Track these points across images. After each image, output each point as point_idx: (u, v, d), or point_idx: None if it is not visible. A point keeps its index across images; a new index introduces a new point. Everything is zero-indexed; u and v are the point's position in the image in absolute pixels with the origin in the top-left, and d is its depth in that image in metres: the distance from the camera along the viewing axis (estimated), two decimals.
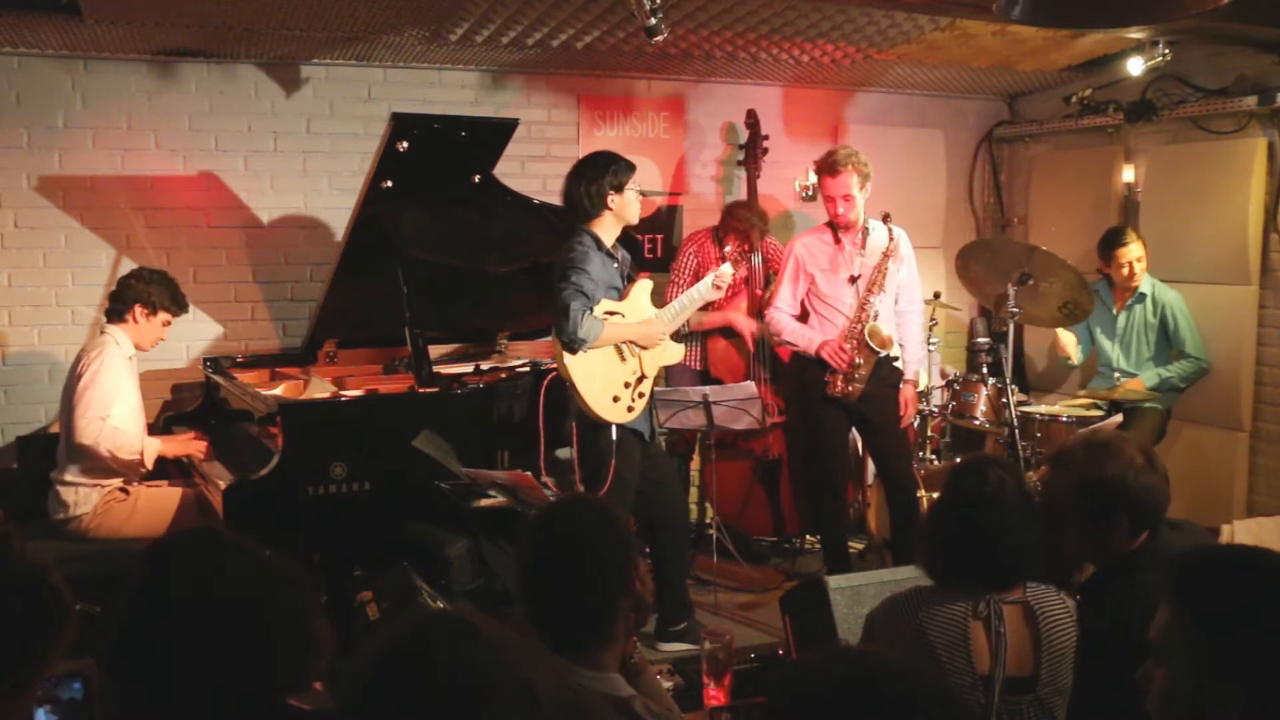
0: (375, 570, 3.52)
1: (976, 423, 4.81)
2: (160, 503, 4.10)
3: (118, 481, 4.04)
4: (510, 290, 4.70)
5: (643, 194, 4.11)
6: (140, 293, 4.13)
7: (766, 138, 5.38)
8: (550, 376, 4.01)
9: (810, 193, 4.99)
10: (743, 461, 5.25)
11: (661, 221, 5.69)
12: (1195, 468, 5.03)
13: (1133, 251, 4.89)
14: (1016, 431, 4.37)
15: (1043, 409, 4.72)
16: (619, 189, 3.91)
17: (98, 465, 3.97)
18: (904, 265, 4.54)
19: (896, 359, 4.54)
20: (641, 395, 3.99)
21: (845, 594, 2.98)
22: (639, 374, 3.99)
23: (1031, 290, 4.43)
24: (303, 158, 5.07)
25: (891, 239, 4.43)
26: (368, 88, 5.14)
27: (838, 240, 4.49)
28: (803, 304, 4.61)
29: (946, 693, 1.23)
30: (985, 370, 5.17)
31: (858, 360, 4.38)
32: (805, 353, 4.50)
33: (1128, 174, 5.56)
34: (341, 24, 4.38)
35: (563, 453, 4.15)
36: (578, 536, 1.96)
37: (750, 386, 4.58)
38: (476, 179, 4.22)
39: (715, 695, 2.57)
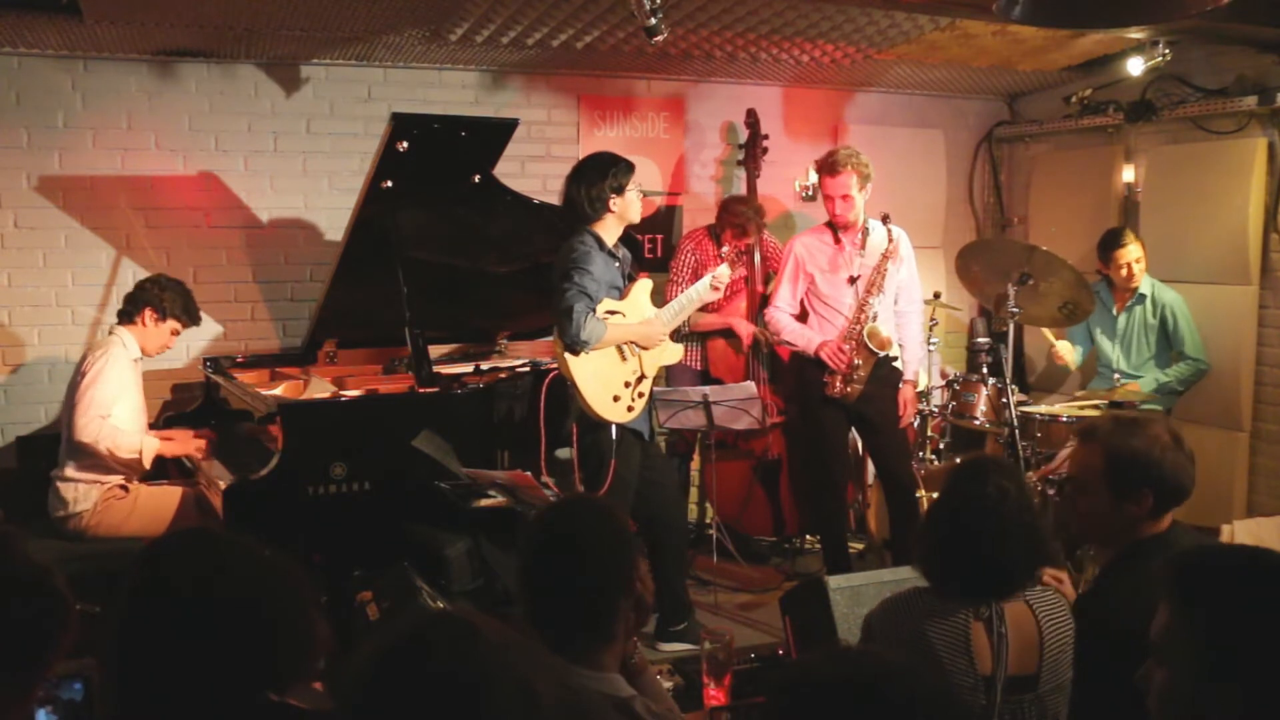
0: (375, 570, 3.51)
1: (976, 423, 4.81)
2: (160, 502, 4.11)
3: (118, 479, 4.05)
4: (510, 290, 4.70)
5: (643, 194, 4.11)
6: (153, 297, 4.16)
7: (766, 137, 5.38)
8: (551, 376, 4.01)
9: (810, 193, 4.99)
10: (743, 461, 5.25)
11: (661, 221, 5.69)
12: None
13: (1131, 252, 4.88)
14: (1016, 431, 4.37)
15: (1042, 409, 4.72)
16: (620, 191, 3.91)
17: (97, 463, 3.98)
18: (904, 266, 4.54)
19: (896, 359, 4.54)
20: (641, 395, 4.00)
21: (845, 594, 2.98)
22: (639, 374, 3.99)
23: (1031, 290, 4.43)
24: (303, 158, 5.07)
25: (891, 240, 4.43)
26: (368, 88, 5.14)
27: (838, 240, 4.50)
28: (802, 304, 4.61)
29: (946, 693, 1.23)
30: (985, 370, 5.17)
31: (856, 361, 4.38)
32: (804, 353, 4.50)
33: (1128, 174, 5.56)
34: (341, 24, 4.39)
35: (563, 453, 4.15)
36: (578, 536, 1.96)
37: (750, 386, 4.58)
38: (476, 179, 4.22)
39: (715, 695, 2.57)
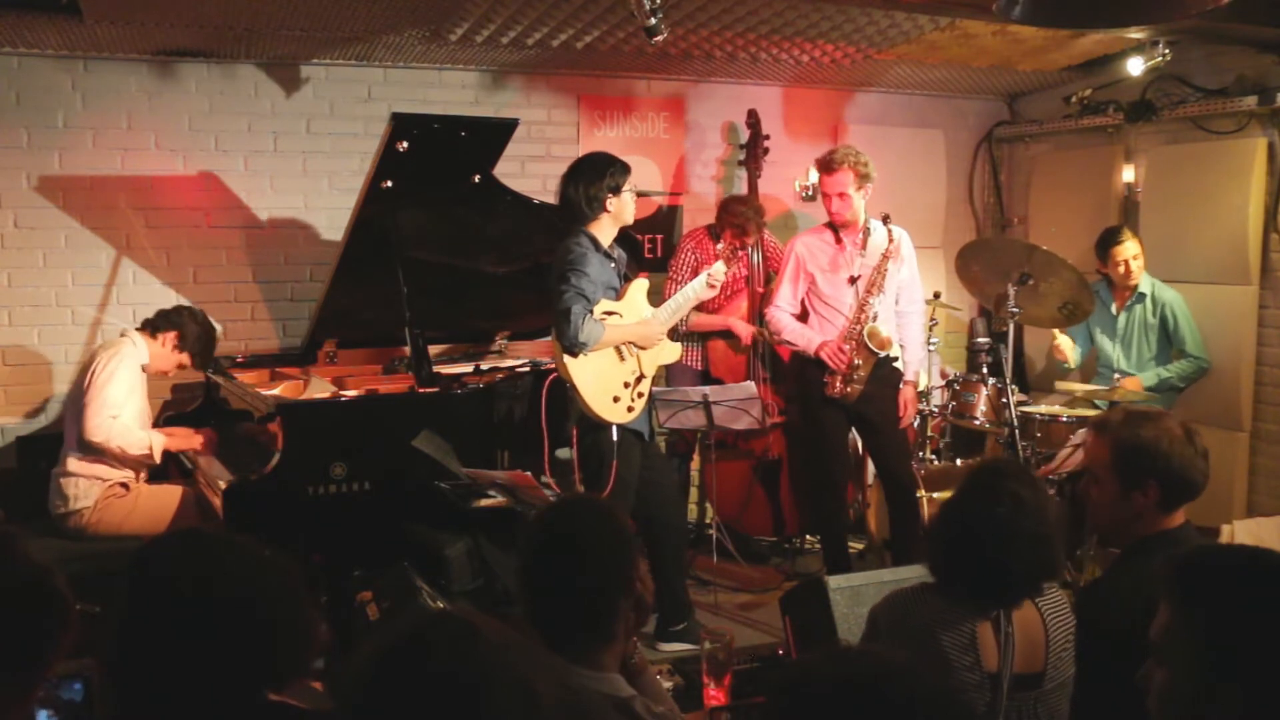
0: (375, 570, 3.51)
1: (976, 423, 4.81)
2: (160, 501, 4.12)
3: (119, 477, 4.06)
4: (510, 290, 4.69)
5: (641, 194, 4.11)
6: (185, 326, 4.28)
7: (768, 137, 5.38)
8: (552, 378, 4.01)
9: (810, 193, 4.99)
10: (743, 461, 5.25)
11: (661, 221, 5.69)
12: None
13: (1129, 250, 4.89)
14: (1016, 431, 4.37)
15: (1043, 409, 4.72)
16: (616, 191, 3.91)
17: (101, 460, 4.00)
18: (904, 266, 4.54)
19: (896, 359, 4.54)
20: (641, 395, 4.00)
21: (845, 594, 2.98)
22: (638, 374, 3.99)
23: (1031, 290, 4.43)
24: (303, 158, 5.07)
25: (891, 240, 4.42)
26: (368, 88, 5.14)
27: (839, 240, 4.49)
28: (803, 303, 4.61)
29: (946, 693, 1.23)
30: (985, 370, 5.18)
31: (857, 361, 4.38)
32: (805, 352, 4.50)
33: (1128, 174, 5.56)
34: (341, 24, 4.39)
35: (563, 453, 4.15)
36: (578, 536, 1.96)
37: (750, 386, 4.58)
38: (476, 179, 4.22)
39: (715, 695, 2.57)
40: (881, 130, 6.00)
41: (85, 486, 4.00)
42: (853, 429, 4.76)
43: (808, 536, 5.42)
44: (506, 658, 1.24)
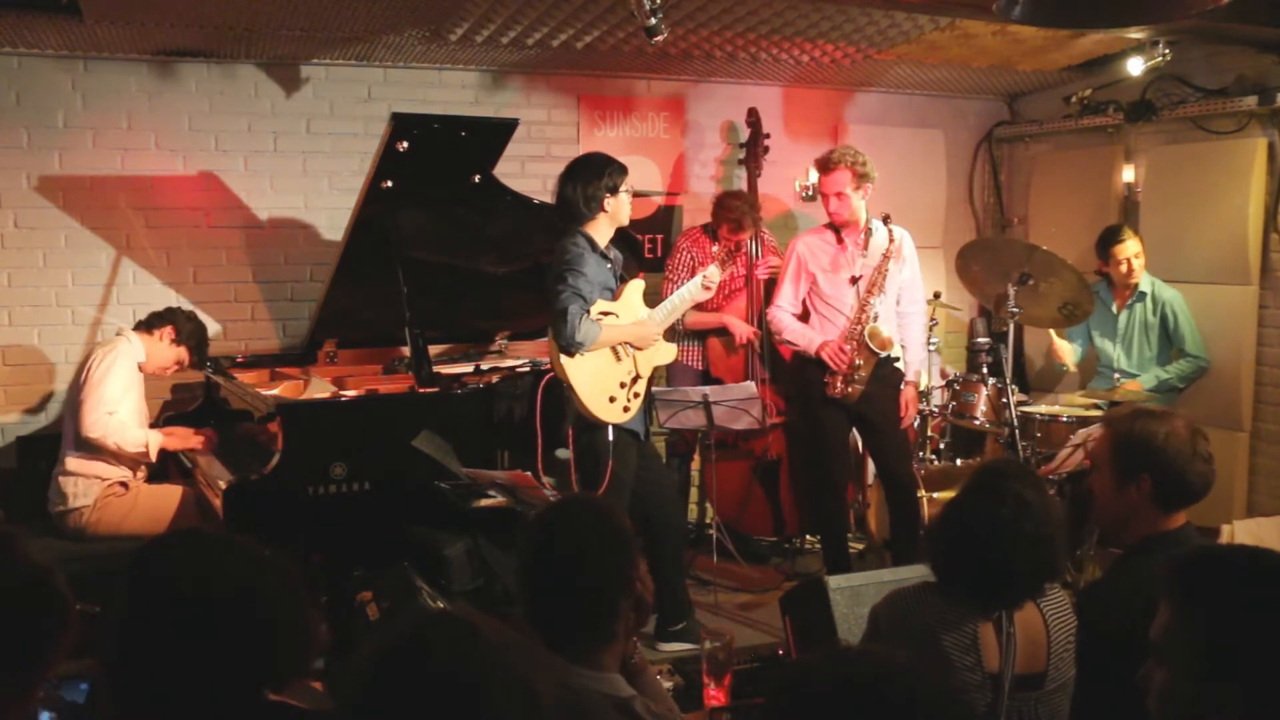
0: (375, 570, 3.51)
1: (976, 423, 4.81)
2: (160, 501, 4.12)
3: (118, 476, 4.07)
4: (510, 290, 4.69)
5: (640, 194, 4.11)
6: (180, 322, 4.33)
7: (768, 136, 5.37)
8: (548, 378, 4.01)
9: (810, 193, 4.99)
10: (743, 461, 5.25)
11: (661, 221, 5.69)
12: None
13: (1130, 248, 4.89)
14: (1016, 431, 4.37)
15: (1043, 409, 4.72)
16: (614, 191, 3.91)
17: (100, 458, 4.01)
18: (906, 266, 4.54)
19: (897, 360, 4.54)
20: (637, 395, 4.00)
21: (845, 594, 2.98)
22: (634, 374, 3.99)
23: (1031, 290, 4.43)
24: (303, 158, 5.07)
25: (892, 240, 4.42)
26: (368, 88, 5.14)
27: (840, 240, 4.50)
28: (804, 304, 4.61)
29: (946, 693, 1.23)
30: (985, 370, 5.17)
31: (857, 361, 4.38)
32: (805, 352, 4.51)
33: (1128, 174, 5.56)
34: (341, 24, 4.39)
35: (561, 453, 4.15)
36: (578, 536, 1.96)
37: (750, 386, 4.58)
38: (476, 179, 4.22)
39: (715, 695, 2.57)
40: (881, 130, 6.01)
41: (84, 485, 4.01)
42: (853, 429, 4.76)
43: (808, 536, 5.42)
44: (506, 658, 1.24)
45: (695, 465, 5.45)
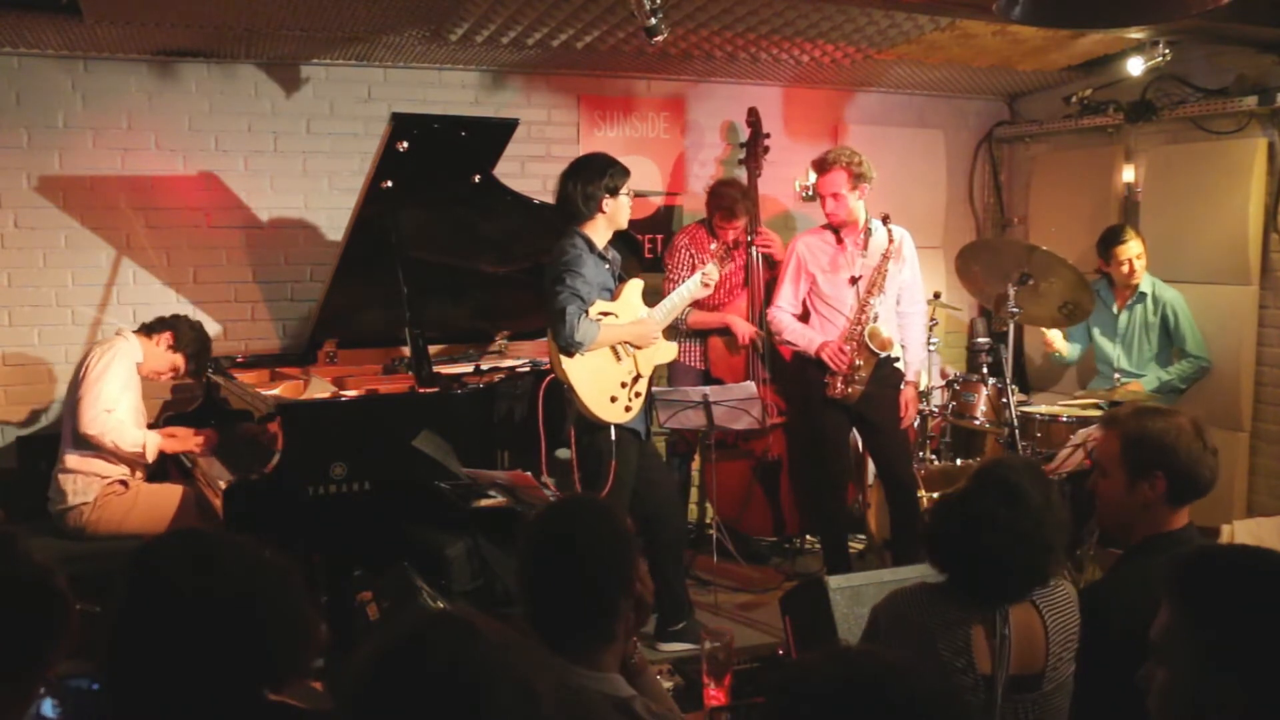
0: (375, 570, 3.51)
1: (976, 423, 4.81)
2: (160, 500, 4.12)
3: (118, 474, 4.07)
4: (510, 290, 4.69)
5: (640, 194, 4.11)
6: (181, 330, 4.33)
7: (768, 136, 5.36)
8: (549, 379, 4.01)
9: (810, 193, 4.99)
10: (743, 461, 5.25)
11: (661, 221, 5.69)
12: None
13: (1132, 249, 4.89)
14: (1016, 431, 4.37)
15: (1043, 409, 4.72)
16: (614, 193, 3.91)
17: (99, 457, 4.01)
18: (906, 266, 4.54)
19: (897, 360, 4.54)
20: (638, 395, 4.00)
21: (845, 594, 2.98)
22: (635, 373, 3.99)
23: (1031, 290, 4.43)
24: (303, 158, 5.07)
25: (892, 240, 4.42)
26: (368, 88, 5.14)
27: (840, 240, 4.50)
28: (804, 304, 4.61)
29: (947, 693, 1.23)
30: (985, 370, 5.17)
31: (858, 362, 4.38)
32: (805, 353, 4.50)
33: (1128, 174, 5.56)
34: (341, 24, 4.39)
35: (563, 453, 4.15)
36: (578, 536, 1.96)
37: (750, 386, 4.58)
38: (476, 179, 4.22)
39: (715, 695, 2.57)
40: (881, 130, 6.01)
41: (84, 483, 4.02)
42: (853, 429, 4.76)
43: (808, 536, 5.42)
44: (506, 658, 1.24)
45: (695, 465, 5.45)
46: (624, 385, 3.95)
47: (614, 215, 3.95)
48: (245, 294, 5.06)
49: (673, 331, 4.59)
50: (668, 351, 4.19)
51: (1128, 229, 4.99)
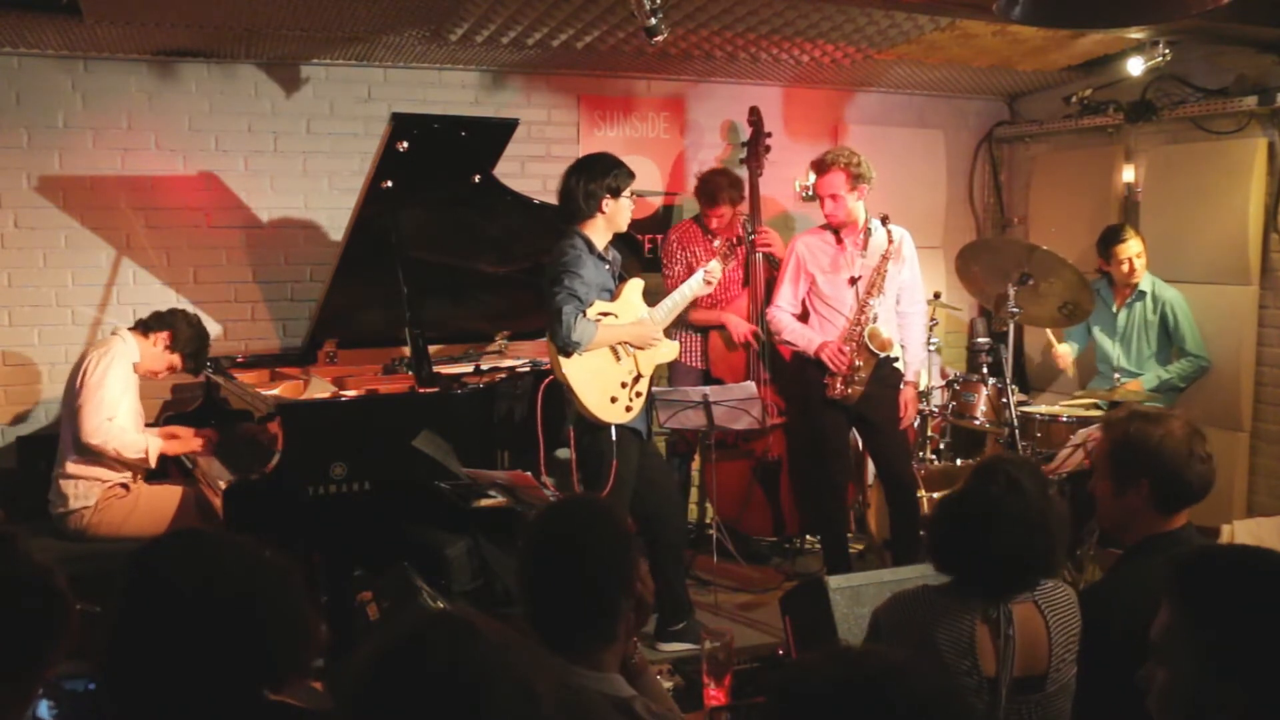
0: (375, 570, 3.51)
1: (976, 423, 4.81)
2: (161, 502, 4.11)
3: (119, 478, 4.06)
4: (510, 290, 4.69)
5: (639, 194, 4.11)
6: (178, 327, 4.27)
7: (769, 135, 5.36)
8: (549, 379, 4.01)
9: (809, 193, 4.99)
10: (743, 461, 5.25)
11: (661, 221, 5.69)
12: None
13: (1132, 248, 4.89)
14: (1016, 431, 4.37)
15: (1043, 409, 4.72)
16: (615, 194, 3.90)
17: (100, 461, 4.00)
18: (905, 267, 4.53)
19: (897, 360, 4.54)
20: (639, 394, 4.00)
21: (845, 594, 2.98)
22: (635, 373, 3.99)
23: (1031, 290, 4.43)
24: (303, 158, 5.07)
25: (891, 240, 4.42)
26: (368, 88, 5.14)
27: (839, 241, 4.49)
28: (804, 304, 4.61)
29: (948, 693, 1.23)
30: (985, 370, 5.17)
31: (858, 363, 4.38)
32: (805, 353, 4.50)
33: (1128, 174, 5.56)
34: (341, 24, 4.39)
35: (562, 453, 4.15)
36: (578, 536, 1.96)
37: (750, 386, 4.58)
38: (476, 179, 4.22)
39: (715, 695, 2.57)
40: (881, 130, 6.01)
41: (85, 488, 4.00)
42: (853, 429, 4.76)
43: (808, 536, 5.42)
44: (506, 658, 1.24)
45: (695, 465, 5.45)
46: (624, 385, 3.95)
47: (614, 216, 3.94)
48: (245, 294, 5.06)
49: (674, 326, 4.59)
50: (669, 351, 4.18)
51: (1127, 228, 4.99)
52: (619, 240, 4.09)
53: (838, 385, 4.40)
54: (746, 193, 5.30)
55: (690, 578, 4.71)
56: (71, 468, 4.01)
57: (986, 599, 2.16)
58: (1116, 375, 5.00)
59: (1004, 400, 4.47)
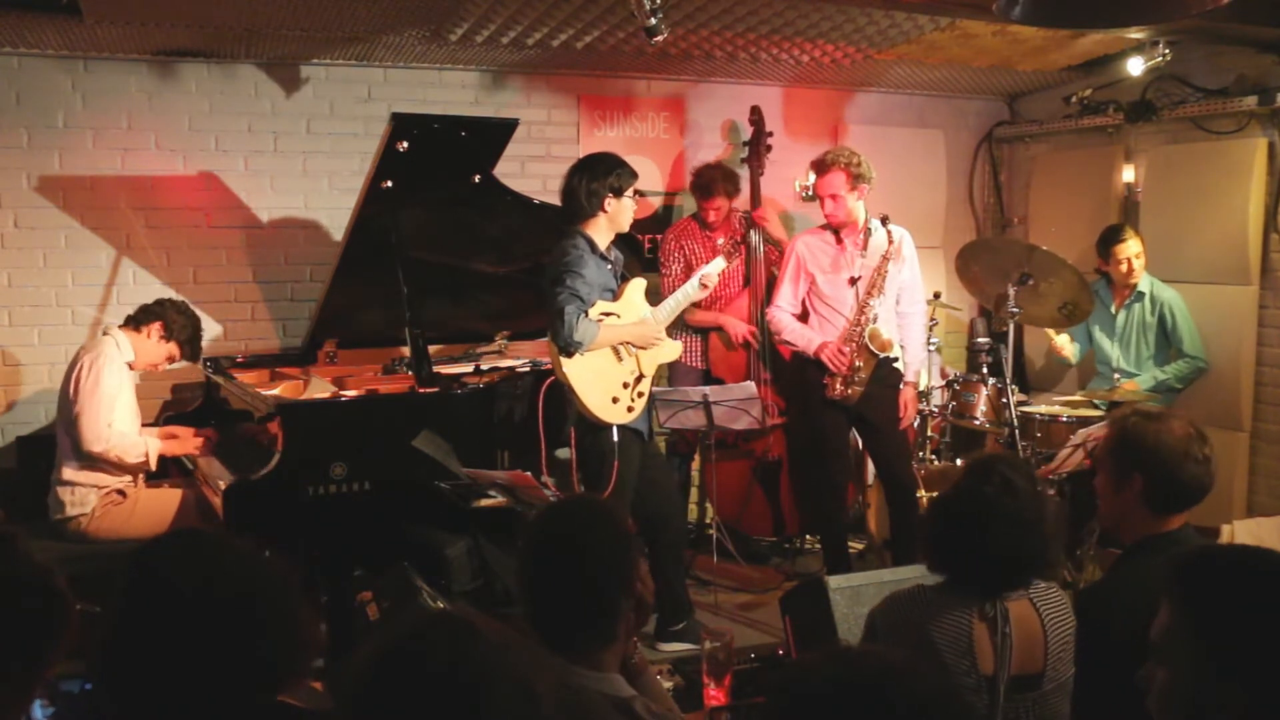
0: (375, 570, 3.51)
1: (976, 423, 4.81)
2: (160, 504, 4.11)
3: (117, 483, 4.04)
4: (510, 290, 4.70)
5: (639, 194, 4.11)
6: (169, 316, 4.20)
7: (771, 134, 5.36)
8: (550, 380, 4.01)
9: (809, 193, 4.99)
10: (743, 461, 5.25)
11: (661, 221, 5.69)
12: None
13: (1131, 248, 4.89)
14: (1016, 431, 4.37)
15: (1042, 409, 4.72)
16: (618, 193, 3.91)
17: (98, 466, 3.98)
18: (905, 267, 4.53)
19: (897, 360, 4.54)
20: (641, 395, 4.00)
21: (845, 594, 2.98)
22: (637, 374, 3.99)
23: (1031, 290, 4.43)
24: (303, 158, 5.07)
25: (891, 241, 4.42)
26: (368, 88, 5.14)
27: (839, 241, 4.49)
28: (804, 303, 4.61)
29: (948, 692, 1.23)
30: (985, 370, 5.17)
31: (858, 363, 4.38)
32: (804, 353, 4.50)
33: (1128, 174, 5.56)
34: (341, 24, 4.39)
35: (563, 453, 4.15)
36: (578, 536, 1.96)
37: (750, 386, 4.58)
38: (476, 179, 4.22)
39: (715, 695, 2.57)
40: (881, 130, 6.01)
41: (82, 494, 3.98)
42: (853, 429, 4.76)
43: (808, 536, 5.42)
44: (506, 658, 1.24)
45: (695, 465, 5.45)
46: (626, 386, 3.95)
47: (616, 216, 3.94)
48: (245, 294, 5.06)
49: (673, 326, 4.59)
50: (671, 351, 4.19)
51: (1126, 228, 4.99)
52: (619, 240, 4.09)
53: (837, 385, 4.40)
54: (747, 191, 5.31)
55: (690, 578, 4.71)
56: (69, 474, 3.98)
57: (983, 597, 2.17)
58: (1116, 375, 5.01)
59: (1004, 400, 4.47)
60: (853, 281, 4.44)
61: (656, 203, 5.69)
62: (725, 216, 5.15)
